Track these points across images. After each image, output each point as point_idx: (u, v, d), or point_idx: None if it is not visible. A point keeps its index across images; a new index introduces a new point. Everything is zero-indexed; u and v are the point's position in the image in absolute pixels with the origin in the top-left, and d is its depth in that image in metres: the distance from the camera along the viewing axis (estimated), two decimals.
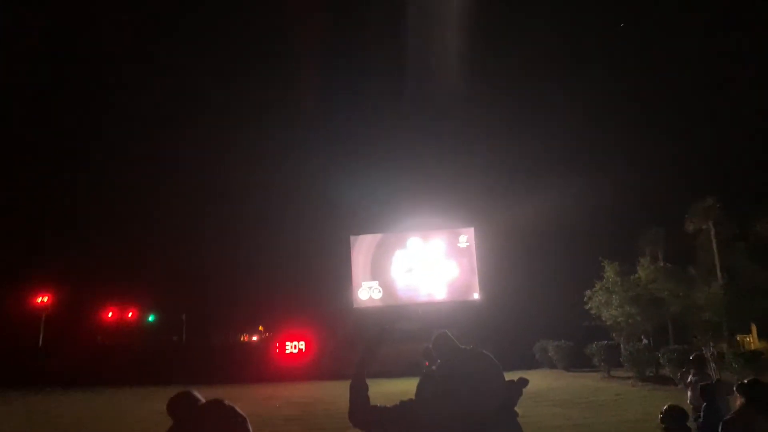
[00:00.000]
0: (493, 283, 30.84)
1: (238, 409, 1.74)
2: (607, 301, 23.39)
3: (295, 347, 28.25)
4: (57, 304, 37.18)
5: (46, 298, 36.26)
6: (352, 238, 32.54)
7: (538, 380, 20.04)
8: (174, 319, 42.67)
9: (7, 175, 45.87)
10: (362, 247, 32.30)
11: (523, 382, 3.05)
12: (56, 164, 48.97)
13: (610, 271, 23.64)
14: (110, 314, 40.26)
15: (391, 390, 18.90)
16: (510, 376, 3.08)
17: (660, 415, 4.83)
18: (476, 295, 30.72)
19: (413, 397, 2.33)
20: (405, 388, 2.89)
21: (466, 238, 31.45)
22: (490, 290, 30.70)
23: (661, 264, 24.04)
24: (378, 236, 32.65)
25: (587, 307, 24.34)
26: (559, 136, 43.18)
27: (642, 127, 41.50)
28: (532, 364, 25.70)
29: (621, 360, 21.54)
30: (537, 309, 28.02)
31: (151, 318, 42.88)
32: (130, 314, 41.57)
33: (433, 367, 1.87)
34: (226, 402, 1.77)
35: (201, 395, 2.14)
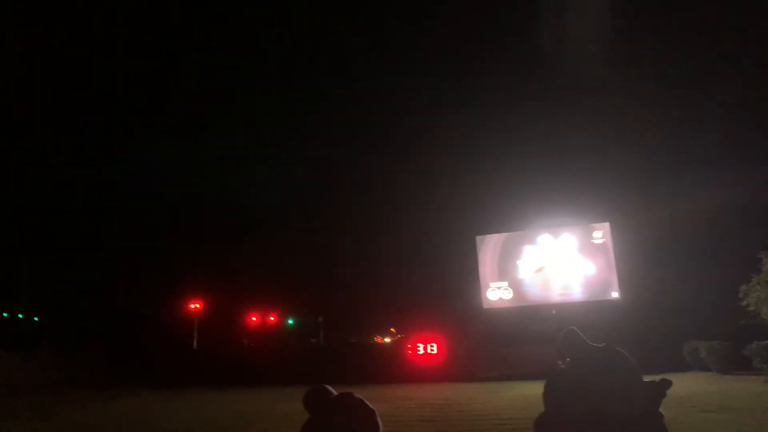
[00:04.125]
0: (633, 281, 29.00)
1: (367, 402, 1.82)
2: (767, 297, 21.14)
3: (426, 348, 28.46)
4: (208, 310, 40.51)
5: (198, 305, 39.61)
6: (478, 238, 32.18)
7: (689, 383, 18.52)
8: (311, 323, 44.76)
9: (164, 202, 50.96)
10: (488, 248, 31.82)
11: (666, 383, 2.86)
12: (203, 188, 53.50)
13: None
14: (254, 319, 43.16)
15: (526, 393, 18.46)
16: (656, 378, 2.91)
17: None
18: (615, 294, 29.04)
19: None
20: (540, 390, 2.80)
21: (601, 233, 29.84)
22: (631, 288, 28.89)
23: None
24: (504, 236, 32.00)
25: (743, 303, 22.15)
26: (703, 119, 39.81)
27: None
28: (682, 367, 23.83)
29: None
30: (684, 307, 25.98)
31: (290, 321, 45.32)
32: (271, 318, 44.27)
33: (563, 366, 1.78)
34: (356, 395, 1.85)
35: (333, 389, 2.26)
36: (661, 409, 2.74)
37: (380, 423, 1.74)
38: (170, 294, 40.58)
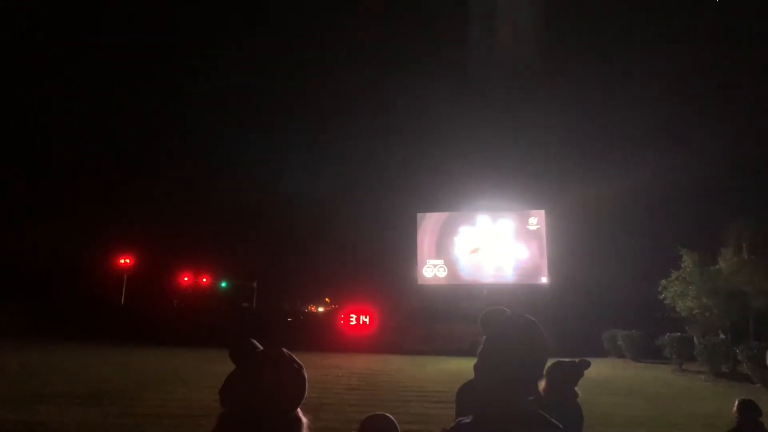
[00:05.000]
0: (562, 268, 30.13)
1: (295, 357, 1.82)
2: (683, 292, 22.36)
3: (359, 320, 28.73)
4: (138, 266, 39.30)
5: (128, 260, 38.35)
6: (419, 215, 32.53)
7: (605, 368, 19.49)
8: (245, 287, 44.19)
9: (101, 150, 48.84)
10: (429, 225, 32.23)
11: (585, 363, 2.98)
12: (145, 143, 51.54)
13: (688, 261, 22.54)
14: (186, 279, 42.15)
15: (450, 368, 18.90)
16: (576, 360, 3.03)
17: (735, 408, 4.56)
18: (544, 279, 30.12)
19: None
20: (466, 366, 2.87)
21: (536, 220, 30.76)
22: (559, 275, 30.02)
23: (745, 256, 22.67)
24: (445, 215, 32.48)
25: (661, 296, 23.38)
26: (637, 115, 41.31)
27: (731, 110, 38.93)
28: (600, 353, 25.04)
29: (694, 354, 20.60)
30: (607, 296, 27.22)
31: (223, 284, 44.59)
32: (204, 280, 43.40)
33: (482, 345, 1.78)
34: (285, 350, 1.85)
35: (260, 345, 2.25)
36: (576, 388, 2.85)
37: (306, 377, 1.74)
38: (100, 246, 39.18)
